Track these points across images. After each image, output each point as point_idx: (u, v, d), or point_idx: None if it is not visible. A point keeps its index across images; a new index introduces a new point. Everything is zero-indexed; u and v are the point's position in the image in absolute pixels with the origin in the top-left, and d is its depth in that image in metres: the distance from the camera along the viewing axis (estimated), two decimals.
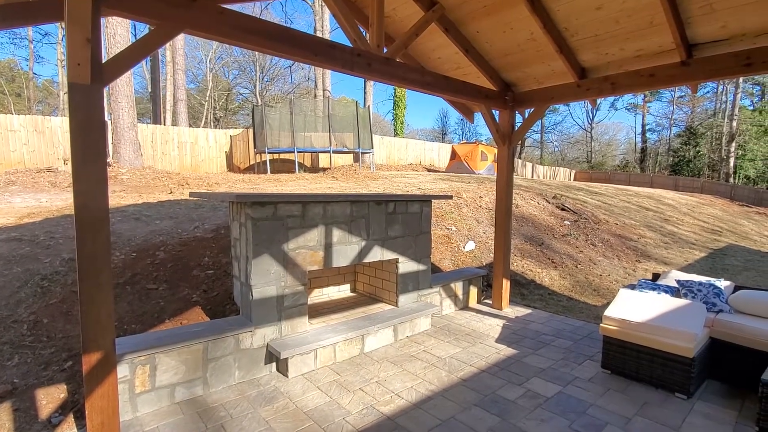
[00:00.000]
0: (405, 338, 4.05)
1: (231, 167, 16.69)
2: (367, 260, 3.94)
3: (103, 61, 2.21)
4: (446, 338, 4.08)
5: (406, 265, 4.30)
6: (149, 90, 25.13)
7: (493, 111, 4.89)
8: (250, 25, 2.71)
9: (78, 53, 2.02)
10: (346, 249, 3.76)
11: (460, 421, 2.65)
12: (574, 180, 33.63)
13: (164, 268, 4.60)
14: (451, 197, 4.62)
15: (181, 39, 20.13)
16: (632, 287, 3.91)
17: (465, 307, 5.10)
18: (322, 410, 2.76)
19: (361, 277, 4.82)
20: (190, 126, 24.56)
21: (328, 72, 21.84)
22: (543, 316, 4.81)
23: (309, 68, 31.17)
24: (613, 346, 3.36)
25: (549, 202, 11.07)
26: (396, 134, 25.03)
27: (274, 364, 3.34)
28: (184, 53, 20.80)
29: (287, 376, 3.22)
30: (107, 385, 2.27)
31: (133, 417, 2.67)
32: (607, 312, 3.37)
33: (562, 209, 10.91)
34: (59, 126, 13.06)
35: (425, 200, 4.44)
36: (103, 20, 13.04)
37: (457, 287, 4.97)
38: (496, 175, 18.56)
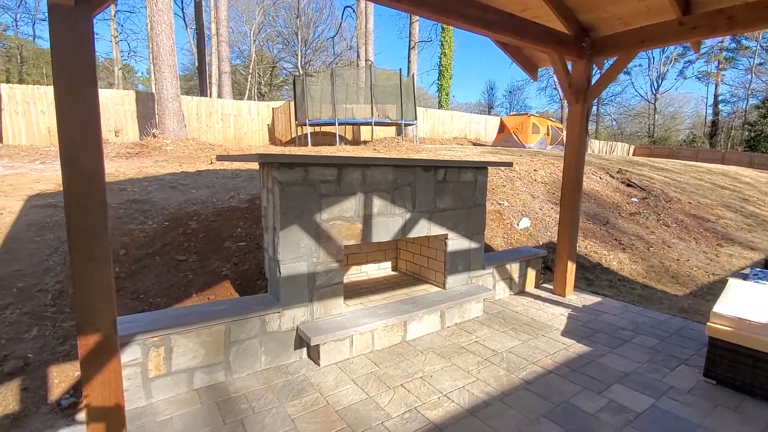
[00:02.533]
0: (453, 326, 3.54)
1: (273, 140, 16.58)
2: (411, 235, 3.41)
3: None
4: (502, 328, 3.52)
5: (456, 242, 3.73)
6: (196, 64, 25.48)
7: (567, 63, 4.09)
8: None
9: None
10: (388, 221, 3.25)
11: None
12: (634, 155, 30.95)
13: (195, 239, 4.33)
14: (511, 164, 3.94)
15: (224, 10, 19.97)
16: (743, 277, 3.13)
17: (521, 291, 4.48)
18: (357, 410, 2.33)
19: (404, 254, 4.32)
20: (237, 99, 24.75)
21: (371, 41, 20.98)
22: (616, 306, 4.11)
23: (351, 37, 30.32)
24: (721, 351, 2.65)
25: (613, 177, 9.94)
26: (441, 106, 23.90)
27: (304, 349, 2.94)
28: (228, 25, 20.68)
29: (319, 365, 2.82)
30: (108, 373, 1.93)
31: (147, 404, 2.37)
32: (717, 308, 2.66)
33: (628, 185, 9.76)
34: (109, 98, 13.36)
35: (481, 167, 3.81)
36: None
37: (513, 269, 4.35)
38: (549, 148, 17.21)
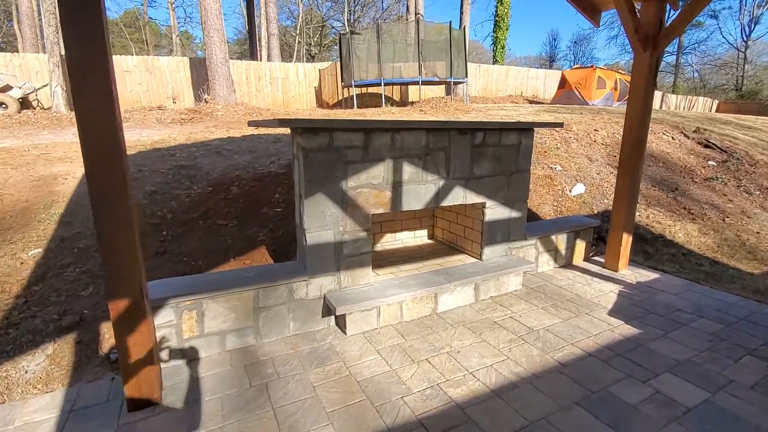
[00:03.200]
0: (488, 299, 3.38)
1: (320, 102, 16.55)
2: (445, 203, 3.23)
3: None
4: (541, 303, 3.31)
5: (494, 211, 3.50)
6: (246, 27, 25.62)
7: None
8: None
9: None
10: (420, 189, 3.08)
11: (555, 425, 1.98)
12: (717, 112, 27.33)
13: (236, 204, 4.45)
14: (561, 125, 3.55)
15: None
16: None
17: (568, 264, 4.18)
18: (378, 383, 2.31)
19: (441, 222, 4.15)
20: (285, 62, 24.80)
21: None
22: (676, 284, 3.71)
23: None
24: None
25: (688, 137, 8.84)
26: (495, 61, 22.38)
27: (332, 317, 2.96)
28: None
29: (345, 333, 2.82)
30: (139, 335, 2.04)
31: (183, 362, 2.51)
32: None
33: (706, 146, 8.65)
34: (166, 65, 13.88)
35: (525, 129, 3.47)
36: None
37: (560, 240, 4.04)
38: (616, 104, 15.63)
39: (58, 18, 1.77)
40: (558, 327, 2.92)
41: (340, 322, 2.90)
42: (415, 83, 13.87)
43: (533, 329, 2.89)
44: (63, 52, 12.45)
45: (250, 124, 3.31)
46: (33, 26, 15.23)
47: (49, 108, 11.33)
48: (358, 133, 2.74)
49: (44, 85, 11.35)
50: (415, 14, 19.64)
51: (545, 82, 21.70)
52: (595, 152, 6.83)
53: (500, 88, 20.36)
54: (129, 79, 13.30)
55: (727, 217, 5.94)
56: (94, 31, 1.73)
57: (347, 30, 23.16)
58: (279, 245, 3.84)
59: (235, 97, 11.82)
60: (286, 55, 31.13)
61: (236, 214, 4.30)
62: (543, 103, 17.05)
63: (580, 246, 4.21)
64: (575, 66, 20.23)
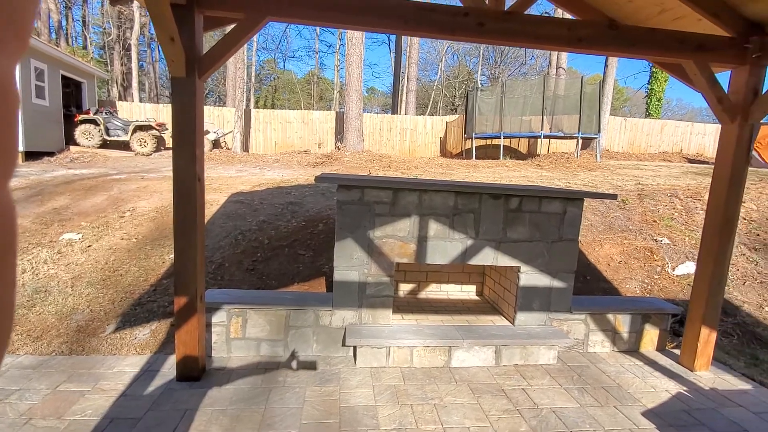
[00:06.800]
0: (512, 366, 3.28)
1: (444, 152, 17.34)
2: (473, 262, 3.36)
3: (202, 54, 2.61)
4: (568, 384, 3.06)
5: (531, 277, 3.43)
6: (392, 84, 28.64)
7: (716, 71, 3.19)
8: (326, 1, 2.63)
9: (168, 51, 2.44)
10: (446, 245, 3.30)
11: None
12: None
13: (317, 238, 5.24)
14: (615, 197, 3.34)
15: None
16: None
17: (631, 351, 3.68)
18: (355, 412, 2.57)
19: (488, 280, 4.16)
20: (418, 115, 26.72)
21: None
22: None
23: None
24: None
25: None
26: (649, 114, 20.12)
27: (351, 348, 3.32)
28: (419, 48, 22.59)
29: (356, 365, 3.15)
30: (190, 325, 2.78)
31: (227, 356, 3.19)
32: None
33: None
34: (317, 118, 16.57)
35: (572, 198, 3.38)
36: None
37: (620, 321, 3.63)
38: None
39: (172, 106, 2.72)
40: (568, 411, 2.70)
41: (355, 354, 3.24)
42: (536, 137, 13.54)
43: (538, 406, 2.74)
44: (245, 108, 16.08)
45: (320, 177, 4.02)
46: (234, 86, 20.04)
47: (230, 149, 14.67)
48: (386, 190, 3.17)
49: (229, 132, 14.79)
50: (557, 68, 19.28)
51: (715, 138, 18.44)
52: None
53: (652, 143, 18.12)
54: (289, 129, 16.30)
55: None
56: (189, 117, 2.62)
57: (474, 86, 23.92)
58: None
59: (363, 145, 13.42)
60: (428, 108, 33.46)
61: (314, 246, 5.07)
62: (705, 163, 14.55)
63: (651, 333, 3.68)
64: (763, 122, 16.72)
